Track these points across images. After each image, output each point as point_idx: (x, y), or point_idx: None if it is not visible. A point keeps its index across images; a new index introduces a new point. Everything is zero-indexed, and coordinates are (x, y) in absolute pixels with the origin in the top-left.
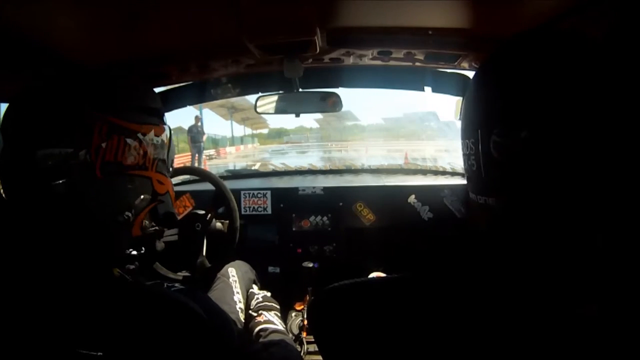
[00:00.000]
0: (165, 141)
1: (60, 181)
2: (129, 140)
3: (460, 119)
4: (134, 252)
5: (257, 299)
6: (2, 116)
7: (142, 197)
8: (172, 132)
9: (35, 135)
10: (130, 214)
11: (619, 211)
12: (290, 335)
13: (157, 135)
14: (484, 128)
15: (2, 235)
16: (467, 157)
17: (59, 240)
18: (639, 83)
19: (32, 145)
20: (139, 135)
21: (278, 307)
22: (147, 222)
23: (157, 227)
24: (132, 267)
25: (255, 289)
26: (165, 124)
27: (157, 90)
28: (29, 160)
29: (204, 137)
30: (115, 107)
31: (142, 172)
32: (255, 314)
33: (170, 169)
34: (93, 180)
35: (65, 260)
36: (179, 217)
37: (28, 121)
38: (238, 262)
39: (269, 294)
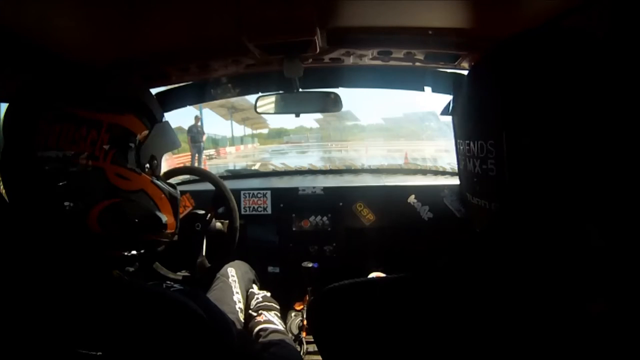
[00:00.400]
0: (139, 136)
1: (20, 173)
2: (73, 126)
3: (450, 114)
4: (134, 252)
5: (257, 298)
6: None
7: (90, 188)
8: (162, 129)
9: (6, 131)
10: (73, 204)
11: (619, 208)
12: (290, 335)
13: (123, 125)
14: (478, 130)
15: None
16: (461, 157)
17: (50, 236)
18: (637, 83)
19: (7, 142)
20: (90, 122)
21: (278, 307)
22: (107, 219)
23: (136, 232)
24: (131, 269)
25: (255, 288)
26: (143, 117)
27: (157, 90)
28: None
29: (204, 137)
30: (69, 96)
31: (90, 162)
32: (255, 314)
33: (147, 165)
34: (33, 166)
35: (63, 259)
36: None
37: (4, 118)
38: (238, 262)
39: (268, 294)
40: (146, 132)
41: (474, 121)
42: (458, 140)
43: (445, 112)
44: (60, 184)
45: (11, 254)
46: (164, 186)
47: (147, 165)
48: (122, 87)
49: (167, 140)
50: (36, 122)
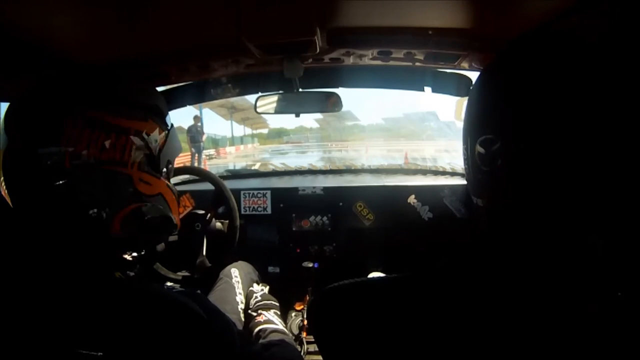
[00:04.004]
0: (159, 141)
1: (37, 175)
2: (103, 133)
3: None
4: (134, 254)
5: (256, 297)
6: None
7: (118, 194)
8: (173, 133)
9: (21, 131)
10: (99, 210)
11: (618, 209)
12: (290, 335)
13: (144, 132)
14: (472, 134)
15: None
16: (464, 160)
17: (54, 236)
18: (633, 88)
19: (22, 142)
20: (118, 129)
21: (277, 304)
22: (129, 223)
23: (151, 234)
24: (132, 274)
25: (255, 287)
26: (161, 123)
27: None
28: (14, 155)
29: (204, 137)
30: (94, 100)
31: (118, 168)
32: (254, 314)
33: (164, 170)
34: (62, 171)
35: (67, 260)
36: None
37: (16, 118)
38: (241, 263)
39: (267, 288)
40: (163, 137)
41: (481, 124)
42: (466, 142)
43: None
44: (86, 189)
45: (16, 256)
46: (174, 188)
47: (164, 169)
48: (144, 94)
49: (177, 145)
50: (61, 126)
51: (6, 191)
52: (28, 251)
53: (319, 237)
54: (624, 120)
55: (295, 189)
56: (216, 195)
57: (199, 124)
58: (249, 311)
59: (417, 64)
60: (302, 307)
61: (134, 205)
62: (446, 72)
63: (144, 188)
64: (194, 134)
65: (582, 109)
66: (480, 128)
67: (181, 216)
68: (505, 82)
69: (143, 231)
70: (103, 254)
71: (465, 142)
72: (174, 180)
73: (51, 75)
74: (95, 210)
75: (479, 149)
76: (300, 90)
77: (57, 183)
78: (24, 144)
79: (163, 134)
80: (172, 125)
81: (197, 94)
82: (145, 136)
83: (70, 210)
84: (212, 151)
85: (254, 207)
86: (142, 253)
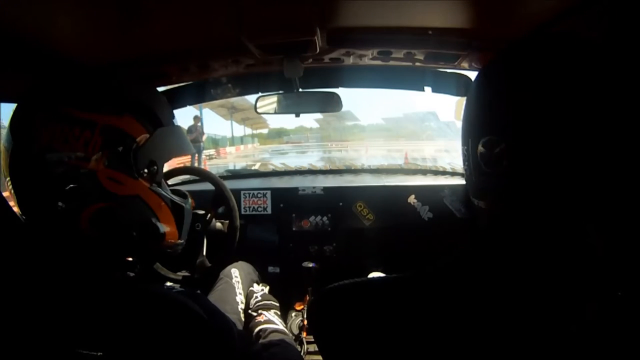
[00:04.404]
0: (139, 138)
1: (26, 174)
2: (67, 127)
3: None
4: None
5: (256, 297)
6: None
7: (81, 190)
8: (164, 133)
9: (12, 131)
10: (64, 204)
11: (618, 209)
12: (290, 335)
13: (118, 127)
14: (473, 135)
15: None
16: (464, 161)
17: (45, 235)
18: (632, 89)
19: (14, 142)
20: (84, 123)
21: (277, 304)
22: (98, 222)
23: (128, 238)
24: (132, 274)
25: (255, 287)
26: (143, 120)
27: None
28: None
29: (204, 137)
30: (66, 96)
31: (81, 163)
32: (254, 314)
33: (145, 171)
34: (28, 166)
35: (63, 259)
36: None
37: (11, 119)
38: (241, 263)
39: (267, 288)
40: (146, 135)
41: (482, 124)
42: (467, 143)
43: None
44: (55, 183)
45: (13, 254)
46: (165, 194)
47: (145, 170)
48: (122, 89)
49: (172, 145)
50: (32, 122)
51: (12, 191)
52: (28, 251)
53: (319, 237)
54: (631, 120)
55: (295, 189)
56: (216, 195)
57: (199, 124)
58: (249, 311)
59: (417, 64)
60: (302, 307)
61: (102, 204)
62: (446, 72)
63: (115, 187)
64: (194, 134)
65: (590, 109)
66: (482, 129)
67: None
68: (510, 81)
69: (116, 233)
70: (82, 252)
71: (465, 144)
72: (174, 180)
73: (48, 75)
74: (61, 204)
75: (481, 150)
76: (300, 90)
77: (30, 179)
78: (15, 144)
79: (143, 130)
80: (172, 126)
81: (197, 94)
82: (118, 131)
83: (42, 204)
84: (212, 151)
85: (254, 207)
86: (142, 258)
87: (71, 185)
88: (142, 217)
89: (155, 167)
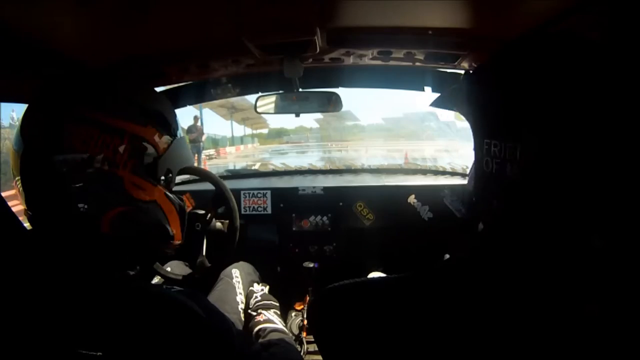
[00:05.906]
0: (158, 147)
1: (43, 175)
2: (97, 132)
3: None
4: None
5: (256, 297)
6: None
7: (107, 194)
8: (178, 144)
9: (29, 134)
10: (88, 207)
11: (620, 211)
12: (290, 334)
13: (142, 135)
14: (493, 131)
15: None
16: (475, 160)
17: (60, 236)
18: (635, 88)
19: (31, 144)
20: (114, 130)
21: (277, 304)
22: (119, 224)
23: (143, 240)
24: (132, 273)
25: (255, 286)
26: (162, 130)
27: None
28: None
29: (204, 137)
30: (93, 101)
31: (110, 168)
32: (254, 314)
33: (162, 178)
34: (44, 168)
35: (67, 258)
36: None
37: (25, 121)
38: (242, 263)
39: (267, 288)
40: (165, 145)
41: (489, 122)
42: (475, 140)
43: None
44: (77, 185)
45: (16, 253)
46: (175, 200)
47: (163, 177)
48: (147, 100)
49: (183, 155)
50: (61, 124)
51: (21, 190)
52: (28, 251)
53: (319, 237)
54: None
55: (295, 189)
56: (216, 195)
57: (199, 124)
58: (249, 311)
59: (417, 64)
60: (302, 307)
61: (124, 207)
62: (446, 72)
63: (137, 192)
64: (194, 134)
65: (590, 109)
66: (491, 130)
67: None
68: (518, 82)
69: (134, 235)
70: (97, 252)
71: (477, 144)
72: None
73: (56, 76)
74: (85, 205)
75: (492, 151)
76: (300, 90)
77: (52, 181)
78: (33, 146)
79: (164, 140)
80: (181, 136)
81: (197, 94)
82: (143, 140)
83: (63, 205)
84: (212, 151)
85: (254, 207)
86: (144, 257)
87: (97, 189)
88: (157, 221)
89: (171, 175)
